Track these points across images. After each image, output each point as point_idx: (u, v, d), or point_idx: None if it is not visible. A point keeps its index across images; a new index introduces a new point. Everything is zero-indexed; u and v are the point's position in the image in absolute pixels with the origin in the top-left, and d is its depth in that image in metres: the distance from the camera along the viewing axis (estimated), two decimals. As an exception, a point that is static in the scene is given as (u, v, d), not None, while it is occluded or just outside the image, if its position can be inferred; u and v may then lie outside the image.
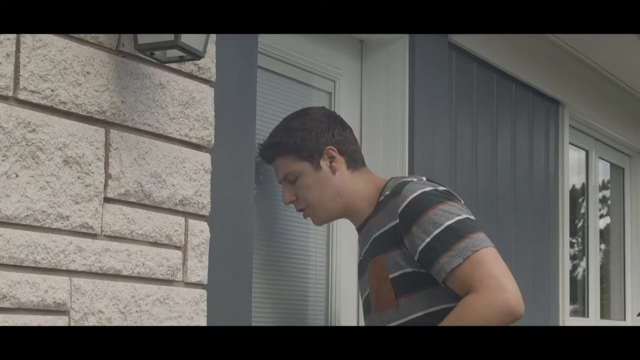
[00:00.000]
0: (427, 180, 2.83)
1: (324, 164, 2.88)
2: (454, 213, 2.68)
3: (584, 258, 5.68)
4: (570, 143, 5.29)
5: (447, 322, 2.60)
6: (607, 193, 6.19)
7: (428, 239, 2.64)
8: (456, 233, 2.64)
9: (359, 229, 2.93)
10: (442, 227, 2.65)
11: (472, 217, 2.72)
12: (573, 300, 5.55)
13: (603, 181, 6.13)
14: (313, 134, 2.89)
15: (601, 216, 6.13)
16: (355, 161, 2.94)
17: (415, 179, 2.81)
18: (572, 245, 5.64)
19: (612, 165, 6.14)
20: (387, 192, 2.79)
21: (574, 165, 5.61)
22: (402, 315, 2.73)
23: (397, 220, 2.71)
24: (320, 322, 3.45)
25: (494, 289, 2.56)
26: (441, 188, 2.77)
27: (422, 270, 2.69)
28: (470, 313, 2.56)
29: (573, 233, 5.64)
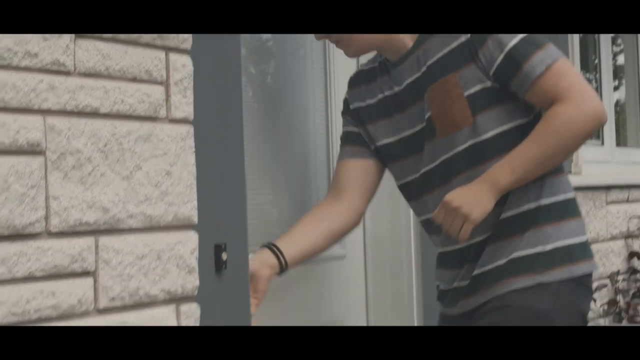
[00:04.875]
0: None
1: None
2: None
3: (599, 92, 5.61)
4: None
5: (536, 133, 2.59)
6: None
7: (506, 49, 2.62)
8: (533, 41, 2.64)
9: (397, 63, 2.78)
10: (517, 38, 2.63)
11: None
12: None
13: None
14: None
15: (620, 52, 6.10)
16: None
17: None
18: (589, 81, 5.57)
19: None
20: None
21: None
22: (477, 134, 2.67)
23: (469, 35, 2.65)
24: (322, 165, 3.37)
25: (582, 96, 2.58)
26: None
27: (497, 84, 2.65)
28: (562, 122, 2.56)
29: (590, 69, 5.61)
